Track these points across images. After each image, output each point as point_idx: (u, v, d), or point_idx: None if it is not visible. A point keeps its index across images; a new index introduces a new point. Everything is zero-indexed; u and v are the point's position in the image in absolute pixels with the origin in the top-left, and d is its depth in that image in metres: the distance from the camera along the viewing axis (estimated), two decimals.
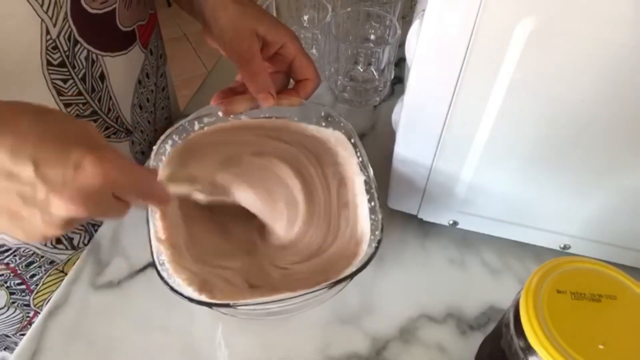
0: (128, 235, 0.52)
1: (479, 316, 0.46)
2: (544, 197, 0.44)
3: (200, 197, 0.42)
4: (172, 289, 0.36)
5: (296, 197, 0.44)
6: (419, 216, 0.50)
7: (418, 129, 0.42)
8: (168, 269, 0.39)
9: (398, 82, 0.68)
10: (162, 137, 0.45)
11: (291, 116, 0.49)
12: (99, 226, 0.54)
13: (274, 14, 0.66)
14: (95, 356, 0.44)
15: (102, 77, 0.48)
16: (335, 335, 0.45)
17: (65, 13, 0.41)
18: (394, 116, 0.47)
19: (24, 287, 0.54)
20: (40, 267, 0.53)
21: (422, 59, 0.37)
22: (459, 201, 0.47)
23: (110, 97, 0.50)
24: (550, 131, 0.38)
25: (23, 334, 0.45)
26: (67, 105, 0.46)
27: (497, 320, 0.38)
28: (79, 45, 0.44)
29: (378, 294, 0.47)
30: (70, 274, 0.49)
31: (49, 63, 0.42)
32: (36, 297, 0.56)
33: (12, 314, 0.56)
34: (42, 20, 0.40)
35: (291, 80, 0.51)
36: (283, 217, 0.43)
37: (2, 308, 0.55)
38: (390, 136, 0.47)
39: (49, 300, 0.48)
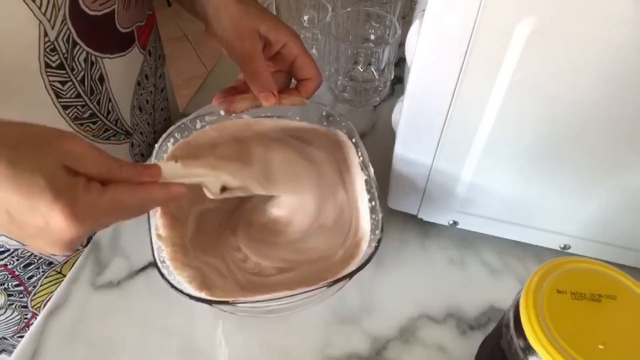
0: (128, 235, 0.52)
1: (479, 316, 0.46)
2: (544, 197, 0.44)
3: (211, 192, 0.40)
4: (172, 286, 0.36)
5: (319, 189, 0.45)
6: (419, 216, 0.50)
7: (418, 129, 0.42)
8: (169, 267, 0.39)
9: (398, 82, 0.68)
10: (164, 135, 0.45)
11: (292, 115, 0.49)
12: None
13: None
14: (95, 356, 0.44)
15: (101, 79, 0.48)
16: (335, 335, 0.45)
17: (64, 15, 0.41)
18: (394, 116, 0.47)
19: (21, 288, 0.54)
20: (38, 268, 0.53)
21: (422, 59, 0.37)
22: (459, 201, 0.47)
23: (110, 99, 0.50)
24: (550, 131, 0.38)
25: (21, 336, 0.45)
26: (65, 108, 0.46)
27: (497, 320, 0.38)
28: (77, 47, 0.44)
29: (378, 294, 0.47)
30: (70, 274, 0.49)
31: (47, 65, 0.42)
32: (34, 299, 0.56)
33: (9, 315, 0.56)
34: (41, 22, 0.40)
35: (293, 79, 0.51)
36: (306, 209, 0.44)
37: (0, 310, 0.55)
38: (390, 136, 0.47)
39: (47, 301, 0.47)
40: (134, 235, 0.51)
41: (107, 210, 0.31)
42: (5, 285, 0.53)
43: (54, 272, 0.55)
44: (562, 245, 0.48)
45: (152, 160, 0.43)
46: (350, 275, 0.37)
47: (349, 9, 0.63)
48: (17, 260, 0.51)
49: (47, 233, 0.29)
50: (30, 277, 0.54)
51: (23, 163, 0.28)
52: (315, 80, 0.49)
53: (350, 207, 0.45)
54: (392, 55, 0.61)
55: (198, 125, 0.47)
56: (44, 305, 0.47)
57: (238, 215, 0.47)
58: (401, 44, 0.45)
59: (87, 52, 0.45)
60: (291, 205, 0.45)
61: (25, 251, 0.51)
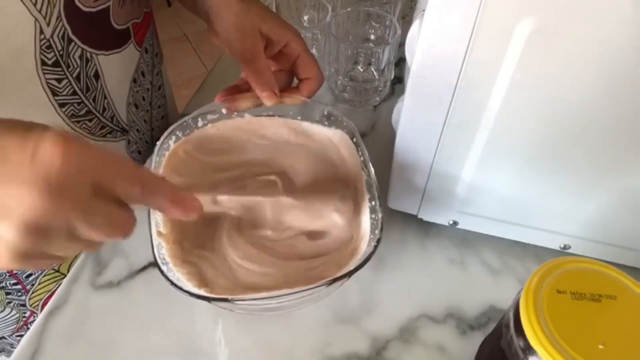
0: None
1: (479, 316, 0.46)
2: (544, 197, 0.44)
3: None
4: (171, 283, 0.37)
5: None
6: (419, 216, 0.50)
7: (418, 129, 0.42)
8: (168, 263, 0.39)
9: (398, 82, 0.68)
10: (166, 133, 0.45)
11: (294, 115, 0.49)
12: None
13: None
14: (95, 356, 0.44)
15: (97, 76, 0.48)
16: (335, 335, 0.45)
17: (59, 12, 0.41)
18: (394, 116, 0.47)
19: (19, 287, 0.54)
20: None
21: (422, 59, 0.37)
22: (459, 201, 0.47)
23: (105, 96, 0.50)
24: (550, 131, 0.38)
25: (19, 335, 0.45)
26: (61, 105, 0.46)
27: (497, 320, 0.38)
28: (73, 44, 0.44)
29: (378, 294, 0.47)
30: (70, 273, 0.49)
31: (43, 63, 0.42)
32: (32, 297, 0.56)
33: (8, 314, 0.56)
34: (36, 19, 0.40)
35: (294, 78, 0.51)
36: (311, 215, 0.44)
37: None
38: (390, 136, 0.47)
39: (46, 299, 0.47)
40: (134, 235, 0.51)
41: (112, 159, 0.27)
42: (3, 284, 0.53)
43: (52, 270, 0.55)
44: (562, 245, 0.48)
45: (154, 159, 0.43)
46: (349, 274, 0.37)
47: (349, 9, 0.63)
48: None
49: (29, 167, 0.24)
50: (28, 276, 0.54)
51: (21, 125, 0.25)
52: (316, 80, 0.49)
53: (350, 206, 0.45)
54: (392, 55, 0.61)
55: (200, 123, 0.47)
56: (43, 304, 0.47)
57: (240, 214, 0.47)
58: (401, 44, 0.45)
59: (82, 49, 0.45)
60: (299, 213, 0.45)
61: None
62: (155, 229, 0.40)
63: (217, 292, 0.38)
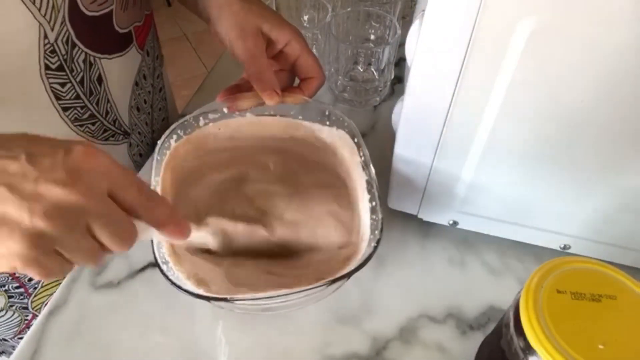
0: None
1: (479, 316, 0.46)
2: (544, 197, 0.44)
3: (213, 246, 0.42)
4: (171, 282, 0.37)
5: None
6: (419, 216, 0.50)
7: (418, 129, 0.42)
8: (168, 262, 0.39)
9: (398, 82, 0.68)
10: (167, 132, 0.45)
11: (295, 114, 0.49)
12: None
13: None
14: (95, 356, 0.44)
15: (100, 79, 0.48)
16: (335, 335, 0.45)
17: (63, 16, 0.41)
18: (394, 116, 0.47)
19: (22, 290, 0.54)
20: None
21: (422, 59, 0.37)
22: (459, 201, 0.47)
23: (108, 100, 0.50)
24: (550, 131, 0.38)
25: (21, 338, 0.45)
26: (65, 109, 0.46)
27: (497, 320, 0.38)
28: (76, 49, 0.44)
29: (378, 294, 0.47)
30: (70, 274, 0.49)
31: (47, 67, 0.42)
32: (34, 300, 0.56)
33: (10, 317, 0.56)
34: (40, 24, 0.40)
35: (296, 78, 0.51)
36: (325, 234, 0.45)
37: (1, 311, 0.55)
38: (390, 136, 0.47)
39: (47, 302, 0.48)
40: None
41: (128, 173, 0.30)
42: (6, 287, 0.53)
43: None
44: (562, 245, 0.48)
45: (155, 157, 0.43)
46: (349, 274, 0.37)
47: (349, 9, 0.63)
48: None
49: (60, 164, 0.27)
50: (30, 279, 0.54)
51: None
52: (318, 79, 0.49)
53: (350, 207, 0.45)
54: (392, 55, 0.61)
55: (201, 122, 0.47)
56: (45, 307, 0.47)
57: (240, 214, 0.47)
58: (401, 44, 0.45)
59: (86, 53, 0.45)
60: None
61: None
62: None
63: (216, 291, 0.38)
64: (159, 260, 0.38)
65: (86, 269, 0.49)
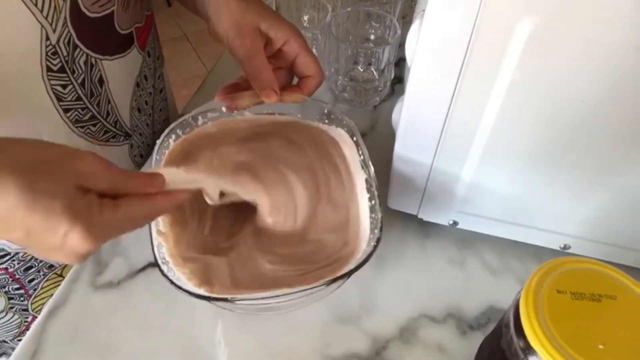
0: (128, 235, 0.51)
1: (479, 316, 0.46)
2: (544, 197, 0.44)
3: (211, 198, 0.41)
4: (171, 282, 0.37)
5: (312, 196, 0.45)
6: (419, 216, 0.50)
7: (418, 129, 0.42)
8: (169, 263, 0.39)
9: (398, 82, 0.68)
10: (166, 132, 0.45)
11: (293, 113, 0.49)
12: None
13: None
14: (95, 356, 0.44)
15: (101, 81, 0.48)
16: (335, 335, 0.45)
17: (65, 18, 0.41)
18: (394, 116, 0.47)
19: (22, 291, 0.54)
20: (38, 271, 0.53)
21: (422, 59, 0.37)
22: (459, 201, 0.47)
23: (109, 101, 0.50)
24: (550, 131, 0.38)
25: (21, 339, 0.45)
26: (66, 111, 0.46)
27: (497, 320, 0.38)
28: (78, 50, 0.44)
29: (378, 294, 0.47)
30: (70, 274, 0.49)
31: (48, 69, 0.42)
32: (34, 302, 0.56)
33: (10, 319, 0.56)
34: (42, 25, 0.40)
35: (294, 76, 0.51)
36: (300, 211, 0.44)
37: (1, 313, 0.55)
38: (390, 136, 0.47)
39: (48, 302, 0.48)
40: (134, 235, 0.51)
41: (121, 225, 0.33)
42: (6, 289, 0.53)
43: (55, 275, 0.55)
44: (562, 245, 0.48)
45: (154, 157, 0.43)
46: (349, 274, 0.37)
47: (349, 9, 0.63)
48: (18, 263, 0.51)
49: (64, 249, 0.30)
50: (30, 280, 0.54)
51: (40, 187, 0.29)
52: (316, 78, 0.49)
53: (349, 206, 0.45)
54: (392, 55, 0.61)
55: (200, 121, 0.47)
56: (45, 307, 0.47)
57: (240, 213, 0.47)
58: (401, 44, 0.45)
59: (87, 55, 0.45)
60: (280, 209, 0.45)
61: (26, 254, 0.51)
62: (155, 227, 0.40)
63: (217, 291, 0.38)
64: (159, 261, 0.38)
65: (86, 269, 0.49)
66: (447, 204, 0.47)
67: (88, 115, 0.48)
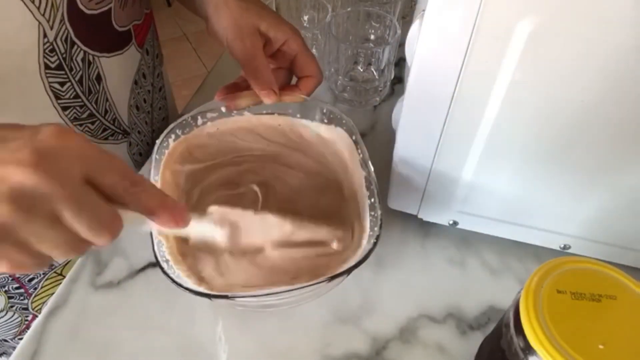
0: (128, 235, 0.51)
1: (479, 316, 0.46)
2: (544, 197, 0.44)
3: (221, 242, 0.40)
4: (172, 280, 0.37)
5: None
6: (419, 216, 0.50)
7: (418, 129, 0.42)
8: (168, 261, 0.39)
9: (398, 82, 0.68)
10: (165, 132, 0.45)
11: (293, 112, 0.49)
12: None
13: None
14: (95, 356, 0.44)
15: (99, 78, 0.48)
16: (335, 335, 0.45)
17: (62, 15, 0.41)
18: (394, 116, 0.47)
19: (22, 290, 0.54)
20: None
21: (422, 59, 0.37)
22: (459, 201, 0.47)
23: (107, 99, 0.50)
24: (550, 131, 0.38)
25: (21, 338, 0.45)
26: (64, 109, 0.46)
27: (497, 320, 0.38)
28: (75, 47, 0.44)
29: (378, 294, 0.47)
30: (70, 273, 0.49)
31: (46, 66, 0.42)
32: (35, 301, 0.56)
33: (10, 318, 0.56)
34: (40, 23, 0.40)
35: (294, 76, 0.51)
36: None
37: (1, 312, 0.55)
38: (390, 136, 0.47)
39: (47, 302, 0.48)
40: (134, 235, 0.51)
41: (107, 156, 0.27)
42: (6, 288, 0.53)
43: (55, 274, 0.55)
44: (562, 245, 0.48)
45: (153, 157, 0.43)
46: (349, 271, 0.37)
47: (349, 9, 0.63)
48: None
49: (26, 145, 0.24)
50: (30, 280, 0.54)
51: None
52: (316, 78, 0.49)
53: (349, 204, 0.45)
54: (392, 55, 0.61)
55: (199, 121, 0.48)
56: (46, 306, 0.47)
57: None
58: (401, 44, 0.45)
59: (85, 52, 0.45)
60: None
61: None
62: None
63: (216, 288, 0.38)
64: (160, 259, 0.38)
65: (86, 269, 0.49)
66: (447, 204, 0.47)
67: (86, 113, 0.48)
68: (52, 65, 0.42)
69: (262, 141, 0.50)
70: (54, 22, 0.41)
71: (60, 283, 0.48)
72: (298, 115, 0.49)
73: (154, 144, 0.44)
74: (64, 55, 0.43)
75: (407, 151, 0.45)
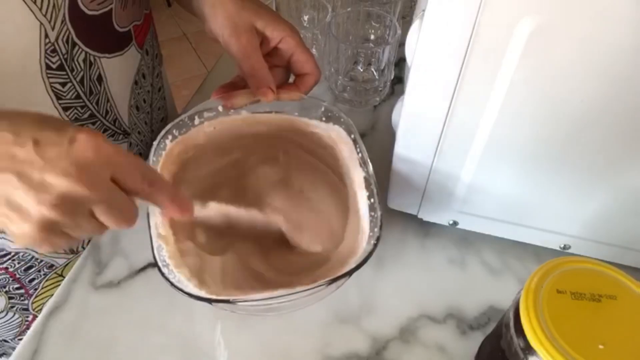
0: (128, 235, 0.52)
1: (479, 316, 0.46)
2: (544, 197, 0.44)
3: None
4: (172, 284, 0.36)
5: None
6: (419, 216, 0.50)
7: (418, 128, 0.42)
8: (169, 265, 0.39)
9: (398, 82, 0.68)
10: (162, 132, 0.45)
11: (291, 111, 0.49)
12: None
13: None
14: (95, 356, 0.44)
15: (100, 79, 0.48)
16: (335, 335, 0.45)
17: (64, 15, 0.41)
18: (394, 116, 0.47)
19: (22, 291, 0.54)
20: (39, 271, 0.53)
21: (422, 59, 0.37)
22: (459, 201, 0.47)
23: (108, 99, 0.50)
24: (550, 131, 0.38)
25: (22, 339, 0.45)
26: (65, 109, 0.46)
27: (497, 320, 0.38)
28: (76, 48, 0.44)
29: (378, 294, 0.47)
30: (70, 274, 0.49)
31: (47, 67, 0.42)
32: (35, 301, 0.56)
33: (10, 318, 0.56)
34: (41, 23, 0.40)
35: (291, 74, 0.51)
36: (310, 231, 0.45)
37: (1, 312, 0.55)
38: (390, 136, 0.47)
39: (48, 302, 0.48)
40: (134, 235, 0.51)
41: (129, 155, 0.32)
42: (7, 288, 0.53)
43: (55, 275, 0.55)
44: (562, 245, 0.48)
45: (151, 159, 0.43)
46: (350, 273, 0.37)
47: (349, 9, 0.63)
48: (18, 263, 0.51)
49: (65, 155, 0.29)
50: (31, 280, 0.54)
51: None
52: (313, 76, 0.49)
53: (348, 204, 0.45)
54: (392, 55, 0.61)
55: (196, 121, 0.47)
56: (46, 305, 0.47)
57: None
58: (401, 44, 0.45)
59: (86, 52, 0.45)
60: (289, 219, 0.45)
61: (26, 254, 0.51)
62: (155, 231, 0.40)
63: (217, 293, 0.38)
64: (160, 264, 0.38)
65: (86, 269, 0.49)
66: (447, 204, 0.47)
67: (87, 114, 0.48)
68: (54, 66, 0.42)
69: (261, 141, 0.50)
70: (55, 22, 0.41)
71: (61, 284, 0.48)
72: (296, 114, 0.49)
73: (153, 143, 0.44)
74: (65, 56, 0.43)
75: (407, 151, 0.44)
